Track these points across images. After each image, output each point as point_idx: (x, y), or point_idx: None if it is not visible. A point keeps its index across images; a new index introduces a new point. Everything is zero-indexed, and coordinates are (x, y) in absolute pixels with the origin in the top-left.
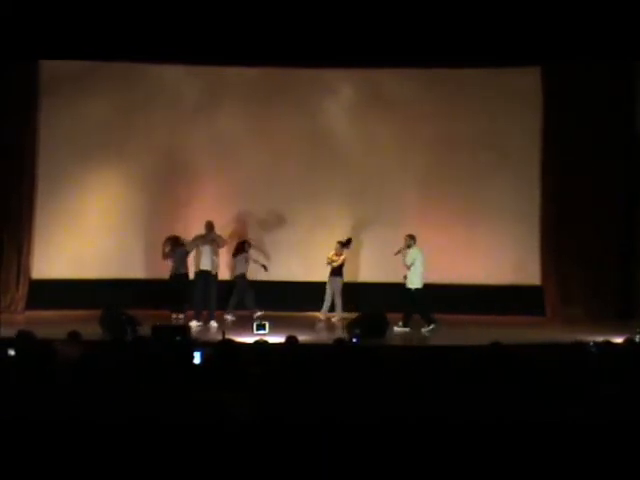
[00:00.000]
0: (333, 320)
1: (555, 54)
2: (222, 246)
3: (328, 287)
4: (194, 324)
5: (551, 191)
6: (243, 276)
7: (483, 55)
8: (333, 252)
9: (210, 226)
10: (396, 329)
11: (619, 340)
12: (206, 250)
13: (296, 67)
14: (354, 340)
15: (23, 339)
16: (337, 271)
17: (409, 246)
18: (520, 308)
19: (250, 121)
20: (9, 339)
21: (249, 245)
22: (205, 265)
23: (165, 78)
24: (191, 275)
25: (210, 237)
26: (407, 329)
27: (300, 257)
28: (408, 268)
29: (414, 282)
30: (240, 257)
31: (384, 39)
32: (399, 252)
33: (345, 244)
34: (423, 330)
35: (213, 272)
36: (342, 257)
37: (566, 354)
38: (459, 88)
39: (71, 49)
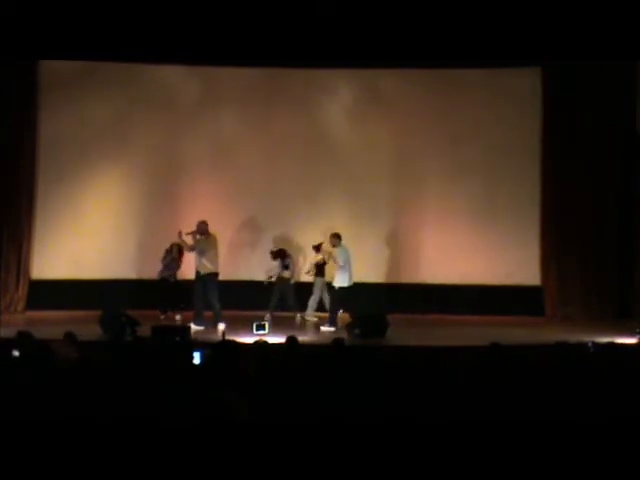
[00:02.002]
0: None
1: (555, 55)
2: (205, 250)
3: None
4: (193, 326)
5: (551, 191)
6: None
7: (483, 56)
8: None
9: (201, 227)
10: (323, 329)
11: (622, 340)
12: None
13: (295, 67)
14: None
15: (23, 340)
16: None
17: (334, 245)
18: (519, 308)
19: (249, 121)
20: (11, 340)
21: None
22: (199, 268)
23: (164, 78)
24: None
25: (201, 239)
26: (333, 328)
27: (299, 257)
28: (341, 267)
29: (339, 281)
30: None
31: (383, 39)
32: (318, 250)
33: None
34: (323, 328)
35: (202, 273)
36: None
37: (565, 354)
38: (458, 88)
39: (71, 49)
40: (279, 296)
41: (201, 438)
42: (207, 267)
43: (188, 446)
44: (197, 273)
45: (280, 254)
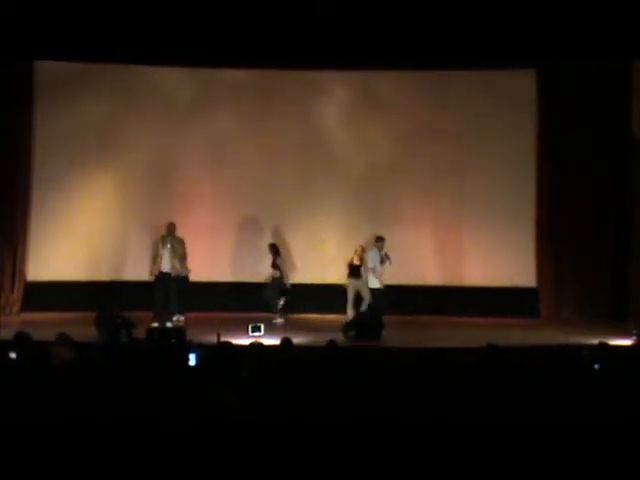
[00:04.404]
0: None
1: (550, 55)
2: (180, 252)
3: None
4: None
5: (547, 193)
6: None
7: (478, 58)
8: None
9: (170, 228)
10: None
11: (617, 342)
12: (165, 253)
13: (290, 69)
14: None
15: (21, 341)
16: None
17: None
18: (516, 310)
19: (245, 123)
20: (8, 342)
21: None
22: (164, 267)
23: (160, 80)
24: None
25: (169, 240)
26: None
27: (295, 259)
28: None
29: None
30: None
31: (378, 41)
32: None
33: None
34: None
35: (172, 274)
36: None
37: (560, 356)
38: (454, 91)
39: (66, 50)
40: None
41: (196, 438)
42: (177, 269)
43: (184, 446)
44: (163, 274)
45: (273, 249)
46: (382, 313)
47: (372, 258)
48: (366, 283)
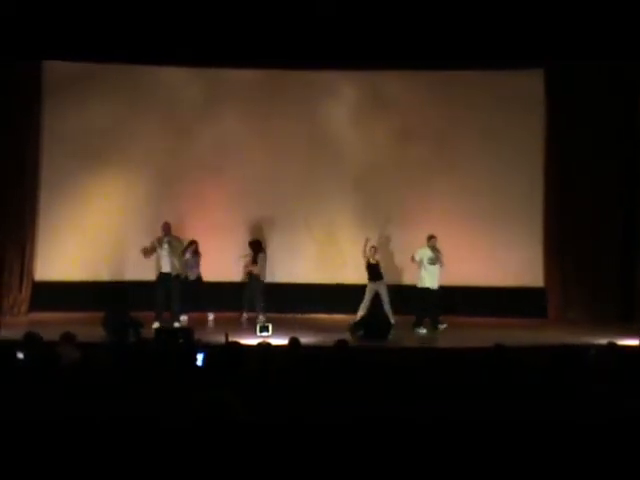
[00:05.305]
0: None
1: (557, 55)
2: (178, 251)
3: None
4: (155, 326)
5: (554, 193)
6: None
7: (485, 58)
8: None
9: (165, 228)
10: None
11: (625, 342)
12: (164, 253)
13: (297, 69)
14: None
15: (31, 341)
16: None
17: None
18: (523, 310)
19: (252, 123)
20: (17, 342)
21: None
22: (165, 268)
23: (166, 80)
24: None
25: (166, 240)
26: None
27: (302, 258)
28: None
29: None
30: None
31: (385, 41)
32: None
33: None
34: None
35: (173, 274)
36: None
37: (567, 356)
38: (461, 91)
39: (74, 50)
40: (249, 294)
41: (200, 438)
42: (177, 268)
43: (187, 446)
44: (163, 274)
45: (255, 245)
46: (432, 314)
47: (420, 254)
48: (386, 284)
